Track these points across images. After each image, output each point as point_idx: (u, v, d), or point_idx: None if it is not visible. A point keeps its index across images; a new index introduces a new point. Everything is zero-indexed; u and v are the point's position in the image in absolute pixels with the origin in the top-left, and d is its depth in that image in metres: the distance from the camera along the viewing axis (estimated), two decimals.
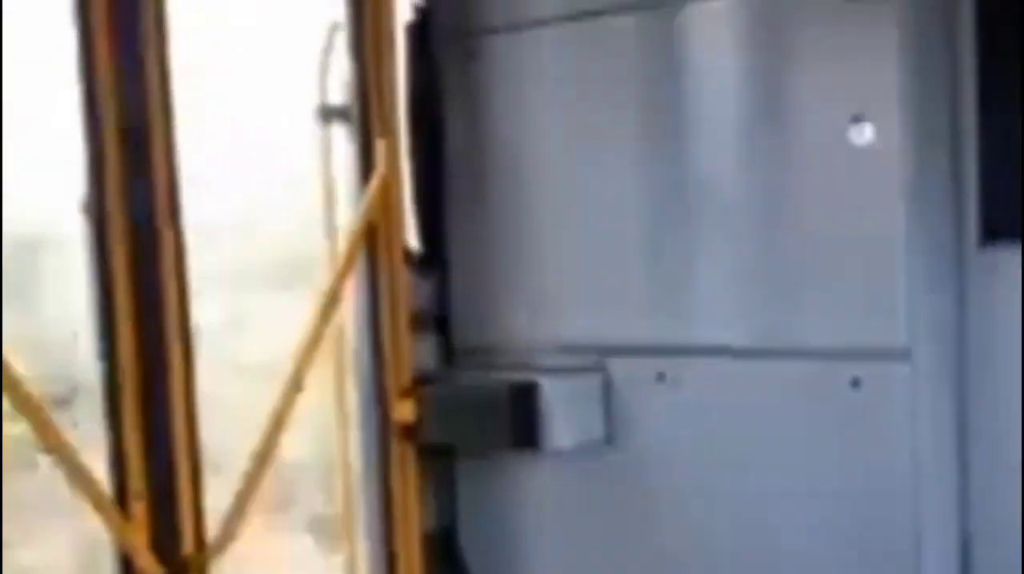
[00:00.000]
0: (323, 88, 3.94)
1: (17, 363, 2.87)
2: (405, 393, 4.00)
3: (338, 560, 4.04)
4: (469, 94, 4.10)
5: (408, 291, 4.00)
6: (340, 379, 3.95)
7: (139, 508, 3.13)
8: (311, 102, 3.92)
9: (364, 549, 4.04)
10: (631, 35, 3.84)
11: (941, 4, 3.52)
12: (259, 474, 3.38)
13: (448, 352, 4.22)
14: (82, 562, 5.02)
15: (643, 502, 3.93)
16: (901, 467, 3.55)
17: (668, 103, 3.79)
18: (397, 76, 3.95)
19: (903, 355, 3.53)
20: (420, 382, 4.03)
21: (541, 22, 3.95)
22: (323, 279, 3.82)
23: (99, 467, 3.10)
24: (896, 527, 3.55)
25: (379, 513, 4.00)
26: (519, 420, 3.90)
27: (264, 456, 3.41)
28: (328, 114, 3.92)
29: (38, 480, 3.87)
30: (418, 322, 4.08)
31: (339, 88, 3.94)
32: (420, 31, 4.10)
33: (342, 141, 3.95)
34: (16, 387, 2.86)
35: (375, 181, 3.91)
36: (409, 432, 4.00)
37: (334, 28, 3.85)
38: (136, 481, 3.12)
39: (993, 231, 3.52)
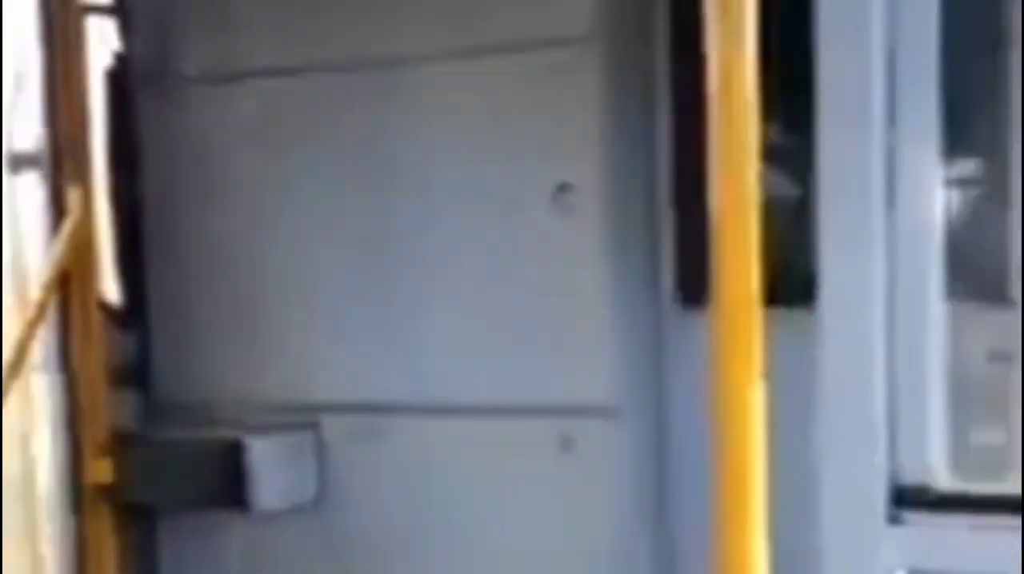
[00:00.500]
0: (9, 135, 3.80)
1: None
2: (102, 451, 3.83)
3: None
4: (168, 141, 3.97)
5: (104, 343, 3.84)
6: (28, 434, 3.78)
7: None
8: None
9: None
10: (338, 93, 3.79)
11: (640, 74, 3.58)
12: None
13: (151, 409, 4.06)
14: None
15: (355, 564, 3.84)
16: (608, 524, 3.57)
17: (380, 161, 3.75)
18: (92, 121, 3.83)
19: (609, 412, 3.55)
20: (120, 440, 3.85)
21: (238, 75, 3.88)
22: (12, 331, 3.66)
23: None
24: None
25: None
26: (224, 479, 3.75)
27: None
28: (17, 162, 3.79)
29: None
30: (119, 377, 3.91)
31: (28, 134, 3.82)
32: (119, 77, 3.99)
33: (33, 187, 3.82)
34: None
35: (67, 228, 3.77)
36: (107, 492, 3.84)
37: (19, 75, 3.73)
38: None
39: (688, 293, 3.58)
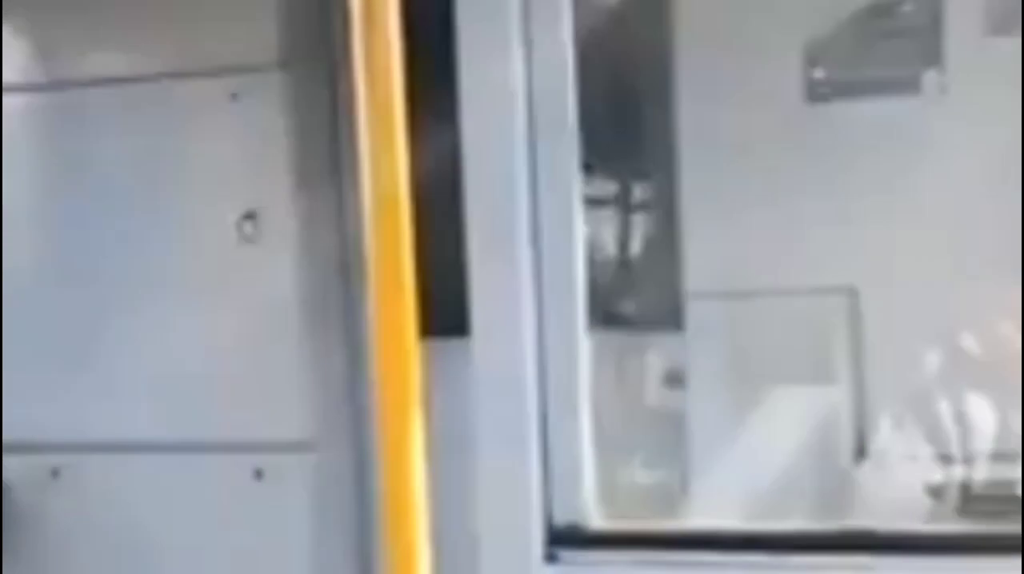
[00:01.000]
0: None
1: None
2: None
3: None
4: None
5: None
6: None
7: None
8: None
9: None
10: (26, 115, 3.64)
11: (327, 101, 3.52)
12: None
13: None
14: None
15: None
16: (304, 556, 3.50)
17: (69, 189, 3.63)
18: None
19: (303, 446, 3.49)
20: None
21: None
22: None
23: None
24: None
25: None
26: None
27: None
28: None
29: None
30: None
31: None
32: None
33: None
34: None
35: None
36: None
37: None
38: None
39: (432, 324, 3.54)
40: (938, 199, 3.41)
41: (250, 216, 3.50)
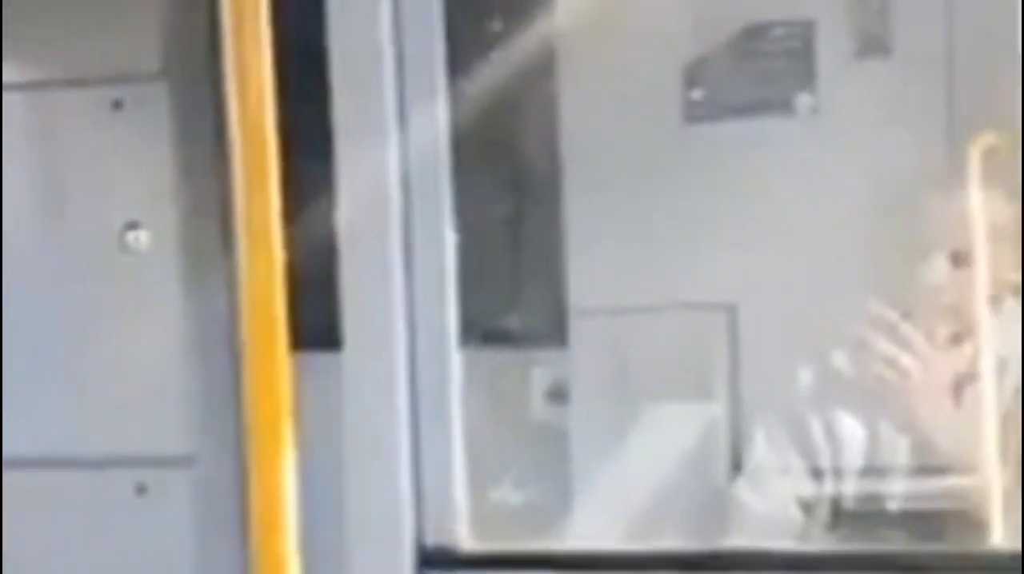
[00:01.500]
0: None
1: None
2: None
3: None
4: None
5: None
6: None
7: None
8: None
9: None
10: None
11: (212, 112, 3.44)
12: None
13: None
14: None
15: None
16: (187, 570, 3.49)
17: None
18: None
19: (185, 461, 3.49)
20: None
21: None
22: None
23: None
24: None
25: None
26: None
27: None
28: None
29: None
30: None
31: None
32: None
33: None
34: None
35: None
36: None
37: None
38: None
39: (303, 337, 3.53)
40: (812, 218, 3.48)
41: (133, 226, 3.48)
